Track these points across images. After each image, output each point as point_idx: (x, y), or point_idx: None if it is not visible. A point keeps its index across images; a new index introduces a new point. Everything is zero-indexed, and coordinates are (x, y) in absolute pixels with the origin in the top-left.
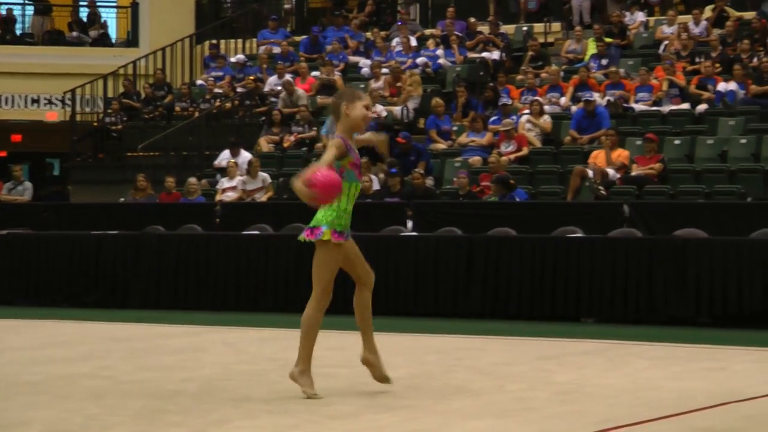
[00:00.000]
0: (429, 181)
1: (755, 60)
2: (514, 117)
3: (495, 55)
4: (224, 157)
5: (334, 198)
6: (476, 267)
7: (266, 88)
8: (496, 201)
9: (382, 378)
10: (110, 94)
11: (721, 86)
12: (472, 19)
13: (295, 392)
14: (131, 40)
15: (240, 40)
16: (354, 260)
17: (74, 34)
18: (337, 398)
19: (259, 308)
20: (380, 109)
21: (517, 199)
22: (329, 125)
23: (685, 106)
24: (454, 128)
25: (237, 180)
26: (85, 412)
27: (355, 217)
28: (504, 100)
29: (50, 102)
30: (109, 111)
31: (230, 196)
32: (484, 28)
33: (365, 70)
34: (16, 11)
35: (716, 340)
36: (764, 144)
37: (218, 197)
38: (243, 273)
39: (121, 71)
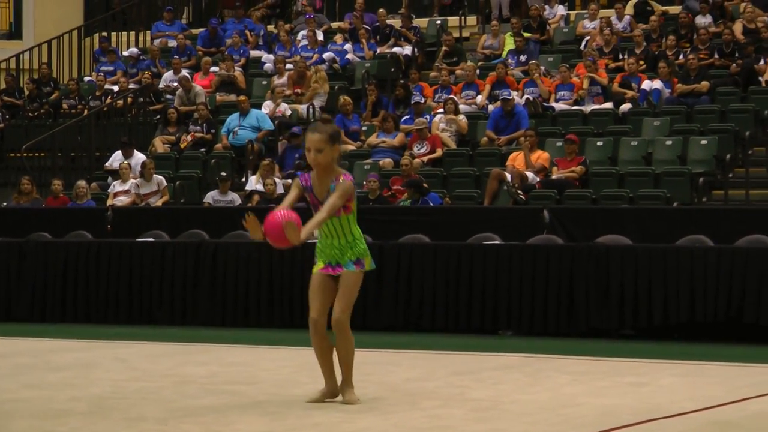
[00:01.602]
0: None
1: (681, 57)
2: (428, 116)
3: (407, 50)
4: (116, 159)
5: (281, 240)
6: (387, 276)
7: (161, 85)
8: (409, 206)
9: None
10: None
11: (646, 84)
12: (382, 11)
13: (192, 411)
14: (14, 32)
15: (132, 33)
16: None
17: None
18: (236, 416)
19: (154, 321)
20: (284, 108)
21: (431, 204)
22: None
23: (608, 105)
24: (364, 128)
25: (130, 183)
26: None
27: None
28: (416, 98)
29: None
30: None
31: (122, 200)
32: (395, 22)
33: (268, 66)
34: None
35: (640, 353)
36: (690, 146)
37: (109, 201)
38: (136, 283)
39: (3, 65)
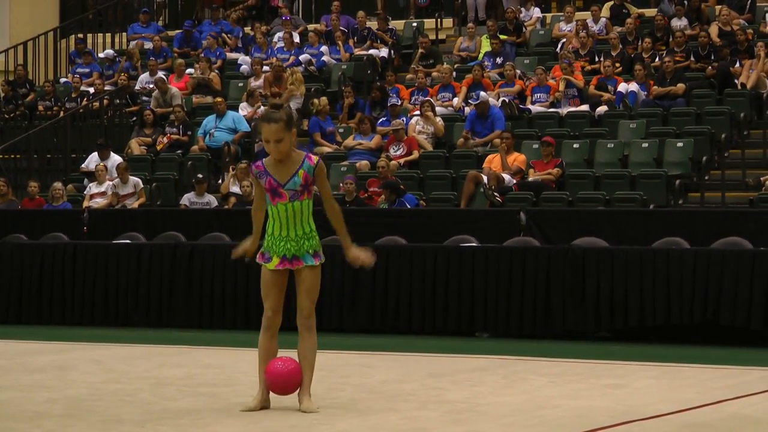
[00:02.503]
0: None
1: (657, 60)
2: (404, 118)
3: (383, 52)
4: (92, 160)
5: (280, 390)
6: (363, 278)
7: (137, 87)
8: (385, 208)
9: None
10: None
11: (622, 87)
12: (361, 13)
13: (169, 413)
14: None
15: (108, 35)
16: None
17: None
18: (213, 418)
19: (130, 323)
20: (262, 110)
21: (407, 206)
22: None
23: (584, 107)
24: (340, 130)
25: (106, 185)
26: None
27: (234, 224)
28: (393, 100)
29: None
30: None
31: (99, 202)
32: (372, 24)
33: (244, 68)
34: None
35: (617, 355)
36: (667, 148)
37: (86, 203)
38: (112, 285)
39: None
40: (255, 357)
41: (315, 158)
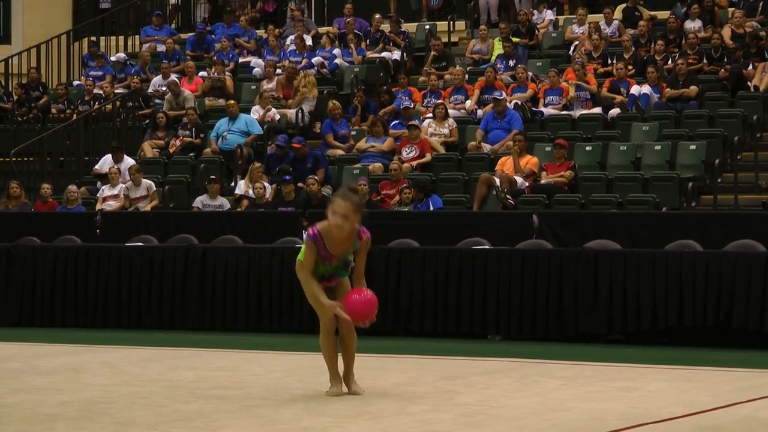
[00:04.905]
0: (326, 189)
1: (670, 62)
2: (418, 121)
3: (395, 55)
4: (105, 163)
5: (362, 317)
6: (376, 281)
7: (150, 89)
8: (398, 210)
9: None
10: None
11: (635, 89)
12: (378, 16)
13: (181, 416)
14: (2, 36)
15: (121, 38)
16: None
17: None
18: (226, 421)
19: (143, 326)
20: (273, 112)
21: (431, 207)
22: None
23: (597, 110)
24: (353, 133)
25: (119, 187)
26: None
27: (246, 226)
28: (405, 102)
29: None
30: None
31: (112, 204)
32: (385, 26)
33: (257, 71)
34: None
35: (629, 358)
36: (679, 151)
37: (99, 206)
38: (125, 288)
39: None
40: (266, 359)
41: (365, 237)
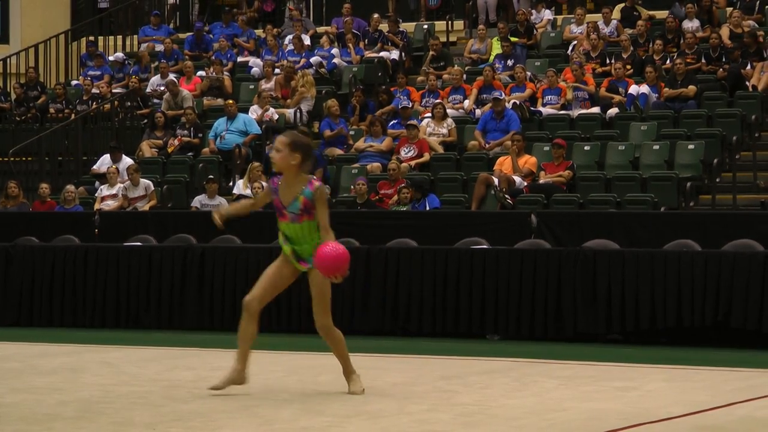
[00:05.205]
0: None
1: (668, 62)
2: (417, 121)
3: (394, 54)
4: (103, 163)
5: (332, 271)
6: (375, 280)
7: (148, 89)
8: (397, 210)
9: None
10: None
11: (633, 89)
12: (376, 16)
13: (180, 415)
14: (1, 35)
15: (119, 37)
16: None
17: None
18: (225, 421)
19: (141, 325)
20: (271, 112)
21: (428, 207)
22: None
23: (595, 110)
24: (351, 132)
25: (118, 187)
26: None
27: (245, 227)
28: (404, 102)
29: None
30: None
31: (110, 204)
32: (383, 26)
33: (255, 70)
34: None
35: (628, 357)
36: (678, 150)
37: (97, 206)
38: (124, 288)
39: None
40: (264, 359)
41: (316, 184)
